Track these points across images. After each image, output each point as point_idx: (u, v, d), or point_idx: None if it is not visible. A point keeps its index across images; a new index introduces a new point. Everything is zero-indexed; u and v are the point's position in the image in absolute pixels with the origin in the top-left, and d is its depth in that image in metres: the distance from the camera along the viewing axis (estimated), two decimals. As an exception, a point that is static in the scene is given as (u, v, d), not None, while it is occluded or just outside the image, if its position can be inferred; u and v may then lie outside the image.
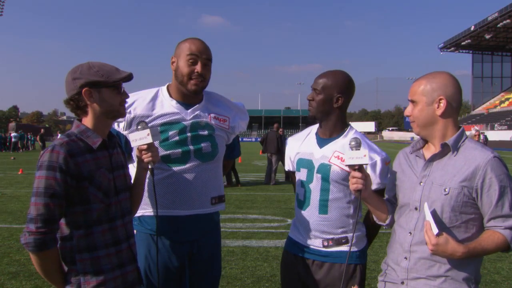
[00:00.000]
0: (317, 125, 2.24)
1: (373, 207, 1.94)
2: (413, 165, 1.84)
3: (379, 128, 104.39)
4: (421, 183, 1.76)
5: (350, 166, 1.82)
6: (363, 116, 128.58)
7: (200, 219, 2.15)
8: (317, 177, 2.08)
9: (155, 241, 2.10)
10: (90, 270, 1.69)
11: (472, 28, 55.94)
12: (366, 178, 1.83)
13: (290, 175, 2.41)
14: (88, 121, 1.76)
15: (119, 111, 1.79)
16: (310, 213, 2.10)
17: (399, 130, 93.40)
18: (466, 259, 1.66)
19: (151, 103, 2.12)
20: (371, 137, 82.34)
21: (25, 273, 4.62)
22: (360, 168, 1.82)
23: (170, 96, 2.16)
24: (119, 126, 2.12)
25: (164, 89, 2.19)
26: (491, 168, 1.63)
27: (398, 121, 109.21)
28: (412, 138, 72.44)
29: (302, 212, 2.13)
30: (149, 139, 1.81)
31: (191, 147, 2.10)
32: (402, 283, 1.77)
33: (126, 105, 1.91)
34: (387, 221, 1.94)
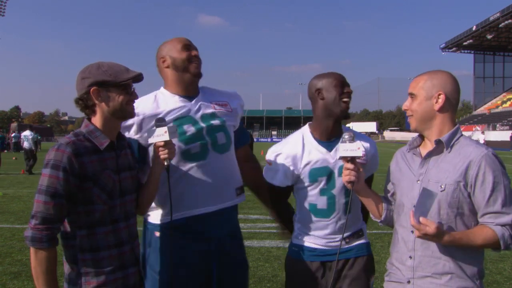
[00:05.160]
0: (305, 128, 2.19)
1: (368, 201, 1.95)
2: (410, 163, 1.86)
3: (381, 128, 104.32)
4: (418, 181, 1.78)
5: (343, 158, 1.85)
6: (365, 116, 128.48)
7: (229, 212, 2.15)
8: (339, 181, 2.06)
9: (182, 245, 2.03)
10: (91, 270, 1.69)
11: (474, 28, 55.81)
12: (358, 170, 1.86)
13: (279, 191, 2.19)
14: (96, 120, 1.76)
15: (127, 111, 1.79)
16: (337, 218, 2.09)
17: (401, 130, 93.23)
18: (469, 255, 1.69)
19: (155, 103, 2.12)
20: (373, 138, 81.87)
21: (27, 273, 4.62)
22: (352, 160, 1.85)
23: (171, 93, 2.17)
24: (130, 131, 2.07)
25: (162, 90, 2.20)
26: (485, 163, 1.65)
27: (400, 121, 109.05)
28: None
29: (326, 220, 2.09)
30: (166, 137, 1.82)
31: (208, 139, 2.10)
32: (409, 282, 1.78)
33: None
34: (382, 217, 1.95)
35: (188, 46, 2.14)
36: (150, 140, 1.86)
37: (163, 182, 1.95)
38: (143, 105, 2.08)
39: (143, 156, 2.10)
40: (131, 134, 2.07)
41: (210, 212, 2.06)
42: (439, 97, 1.74)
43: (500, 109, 59.71)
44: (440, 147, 1.76)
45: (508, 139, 35.67)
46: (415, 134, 1.89)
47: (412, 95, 1.80)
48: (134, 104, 1.99)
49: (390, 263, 1.91)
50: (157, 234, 2.06)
